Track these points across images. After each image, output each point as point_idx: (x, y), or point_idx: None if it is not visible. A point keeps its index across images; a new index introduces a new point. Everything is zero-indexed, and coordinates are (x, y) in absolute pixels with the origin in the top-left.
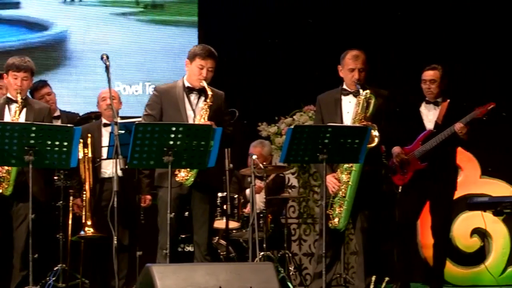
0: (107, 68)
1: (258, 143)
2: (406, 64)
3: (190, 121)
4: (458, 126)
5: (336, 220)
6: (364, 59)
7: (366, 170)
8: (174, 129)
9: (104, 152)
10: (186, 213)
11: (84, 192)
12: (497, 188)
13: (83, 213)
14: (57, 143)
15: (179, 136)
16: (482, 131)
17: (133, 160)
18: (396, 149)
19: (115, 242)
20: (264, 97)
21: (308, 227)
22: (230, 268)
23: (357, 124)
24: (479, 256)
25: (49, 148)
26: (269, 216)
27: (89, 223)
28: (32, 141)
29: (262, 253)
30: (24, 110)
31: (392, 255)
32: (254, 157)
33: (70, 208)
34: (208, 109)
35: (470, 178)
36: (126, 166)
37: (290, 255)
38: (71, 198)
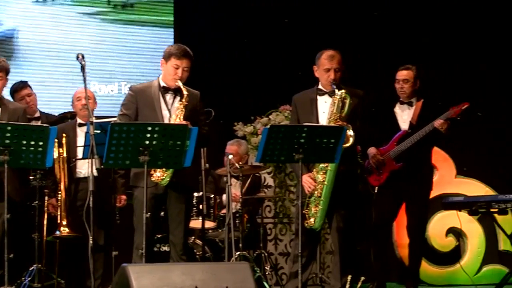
0: (82, 68)
1: (234, 142)
2: (382, 64)
3: (166, 121)
4: (438, 122)
5: (312, 219)
6: (339, 59)
7: (341, 170)
8: (150, 128)
9: (80, 152)
10: (162, 213)
11: (59, 192)
12: (472, 187)
13: (58, 213)
14: (32, 142)
15: (155, 135)
16: (457, 130)
17: (108, 160)
18: (372, 150)
19: (91, 242)
20: (240, 97)
21: (284, 226)
22: (206, 268)
23: (332, 124)
24: (455, 255)
25: (24, 148)
26: (245, 215)
27: (64, 223)
28: (7, 141)
29: (238, 252)
30: None
31: (368, 255)
32: (230, 156)
33: (45, 208)
34: (183, 109)
35: (446, 178)
36: (102, 166)
37: (266, 254)
38: (46, 198)
